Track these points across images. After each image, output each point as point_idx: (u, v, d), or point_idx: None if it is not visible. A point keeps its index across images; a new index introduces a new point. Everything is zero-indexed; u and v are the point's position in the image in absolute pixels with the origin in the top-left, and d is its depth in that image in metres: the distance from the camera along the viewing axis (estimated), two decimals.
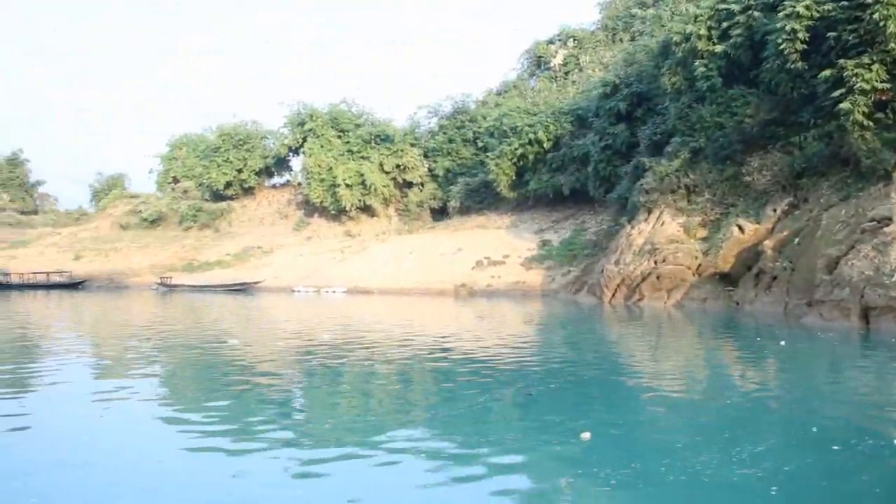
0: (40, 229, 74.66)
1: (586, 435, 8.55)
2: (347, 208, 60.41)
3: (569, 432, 8.83)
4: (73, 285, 54.02)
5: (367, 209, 61.53)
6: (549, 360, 15.65)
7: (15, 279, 54.40)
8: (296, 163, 70.55)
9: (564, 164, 48.13)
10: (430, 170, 61.70)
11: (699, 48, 32.00)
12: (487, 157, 51.63)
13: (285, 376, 13.78)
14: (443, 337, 20.02)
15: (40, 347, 18.31)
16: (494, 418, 10.25)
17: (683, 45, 32.93)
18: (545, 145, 48.50)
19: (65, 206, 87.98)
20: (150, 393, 11.64)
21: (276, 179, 74.45)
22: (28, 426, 9.59)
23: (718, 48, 31.25)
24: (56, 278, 54.67)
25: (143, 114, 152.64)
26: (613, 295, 31.96)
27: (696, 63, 31.94)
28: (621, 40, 62.35)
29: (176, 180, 73.03)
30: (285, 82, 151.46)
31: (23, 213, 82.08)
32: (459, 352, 16.47)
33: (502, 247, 46.70)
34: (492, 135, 52.80)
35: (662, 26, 52.18)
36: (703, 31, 32.05)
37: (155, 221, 68.67)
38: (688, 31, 32.74)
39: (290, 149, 67.39)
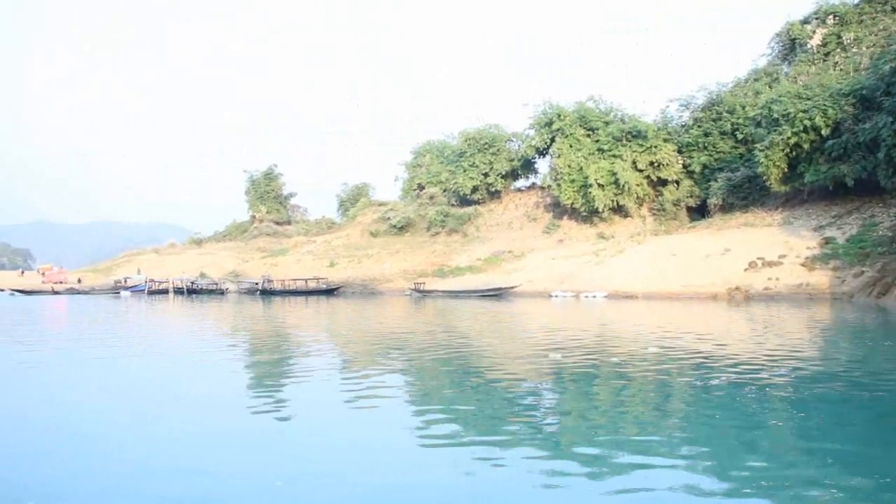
0: (295, 238, 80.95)
1: None
2: (600, 209, 59.01)
3: None
4: (330, 291, 57.35)
5: (619, 209, 59.78)
6: None
7: (277, 285, 58.77)
8: (542, 164, 70.46)
9: (847, 152, 43.09)
10: (685, 166, 58.57)
11: None
12: (756, 148, 47.52)
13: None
14: (786, 353, 15.46)
15: (328, 350, 18.16)
16: None
17: None
18: (823, 132, 43.68)
19: (313, 216, 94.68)
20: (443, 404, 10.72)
21: (521, 182, 74.70)
22: (290, 420, 9.47)
23: None
24: (313, 285, 58.26)
25: (382, 125, 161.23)
26: None
27: None
28: (894, 9, 55.60)
29: (421, 187, 75.62)
30: (521, 83, 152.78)
31: (278, 223, 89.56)
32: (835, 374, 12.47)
33: (776, 246, 42.82)
34: (758, 124, 48.59)
35: None
36: None
37: (403, 228, 71.48)
38: None
39: (537, 150, 67.24)
